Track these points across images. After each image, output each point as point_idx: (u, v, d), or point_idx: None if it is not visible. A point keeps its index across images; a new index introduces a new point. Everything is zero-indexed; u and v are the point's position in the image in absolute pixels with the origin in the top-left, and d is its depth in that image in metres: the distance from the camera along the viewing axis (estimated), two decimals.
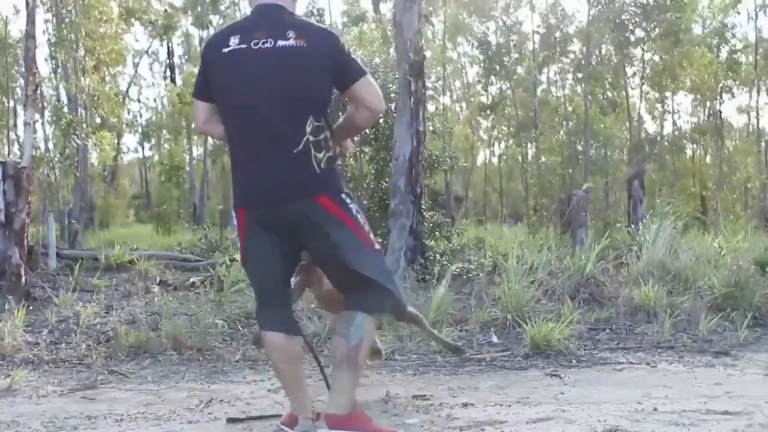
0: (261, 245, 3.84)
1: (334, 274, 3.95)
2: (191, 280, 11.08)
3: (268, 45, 3.75)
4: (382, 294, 3.83)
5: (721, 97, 27.49)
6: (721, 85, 26.02)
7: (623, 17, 27.16)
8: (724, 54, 26.38)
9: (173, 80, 34.28)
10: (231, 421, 4.35)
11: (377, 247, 3.92)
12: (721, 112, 28.37)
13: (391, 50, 19.50)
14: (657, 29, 27.19)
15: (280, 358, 3.89)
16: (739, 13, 39.58)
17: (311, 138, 3.73)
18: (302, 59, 3.72)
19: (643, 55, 29.74)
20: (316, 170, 3.74)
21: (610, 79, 29.69)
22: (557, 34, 32.48)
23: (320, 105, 3.78)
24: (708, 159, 31.30)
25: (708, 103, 29.35)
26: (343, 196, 3.83)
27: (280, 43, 3.74)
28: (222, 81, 3.84)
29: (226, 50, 3.79)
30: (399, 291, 3.97)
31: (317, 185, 3.78)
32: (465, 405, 4.73)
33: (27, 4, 10.64)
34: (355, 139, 3.97)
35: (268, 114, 3.73)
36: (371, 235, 3.89)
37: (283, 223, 3.78)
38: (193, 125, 34.27)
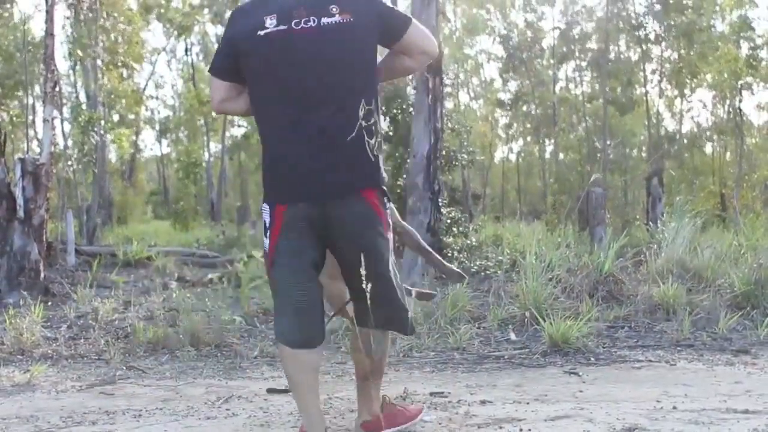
0: (294, 244, 3.45)
1: (355, 279, 3.45)
2: (209, 276, 11.12)
3: (311, 24, 3.36)
4: (401, 312, 3.63)
5: (740, 94, 27.29)
6: (741, 82, 25.83)
7: (639, 19, 27.16)
8: (744, 50, 26.20)
9: (193, 80, 34.35)
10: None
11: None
12: (740, 109, 28.15)
13: None
14: (673, 29, 27.09)
15: (295, 369, 3.53)
16: (757, 6, 39.15)
17: (363, 123, 3.39)
18: (351, 36, 3.38)
19: (662, 52, 29.62)
20: (370, 158, 3.41)
21: (627, 78, 29.56)
22: (576, 30, 32.38)
23: (372, 86, 3.47)
24: (728, 156, 31.10)
25: (728, 100, 29.17)
26: (384, 191, 3.51)
27: (324, 20, 3.36)
28: (260, 67, 3.42)
29: (262, 33, 3.38)
30: (409, 305, 3.75)
31: (368, 177, 3.44)
32: (483, 402, 4.71)
33: (47, 2, 10.69)
34: None
35: (317, 102, 3.35)
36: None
37: (322, 220, 3.41)
38: (211, 118, 34.44)
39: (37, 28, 42.49)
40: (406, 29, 3.46)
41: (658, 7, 26.86)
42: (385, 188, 3.51)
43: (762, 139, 32.45)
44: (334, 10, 3.36)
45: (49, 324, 7.48)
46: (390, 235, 3.54)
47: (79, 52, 22.48)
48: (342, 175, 3.38)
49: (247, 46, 3.41)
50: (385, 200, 3.49)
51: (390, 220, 3.55)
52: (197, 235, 21.62)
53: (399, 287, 3.60)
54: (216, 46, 35.52)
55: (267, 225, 3.45)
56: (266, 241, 3.46)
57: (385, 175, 3.54)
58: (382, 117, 3.59)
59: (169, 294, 8.84)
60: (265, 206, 3.46)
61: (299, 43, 3.35)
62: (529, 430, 4.04)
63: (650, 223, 12.44)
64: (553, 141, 32.87)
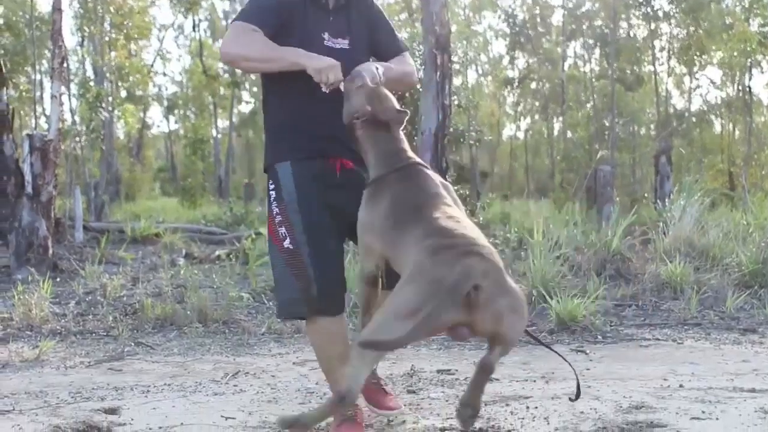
0: None
1: None
2: (217, 253, 11.13)
3: None
4: (278, 300, 3.73)
5: (750, 72, 27.14)
6: (750, 60, 25.67)
7: None
8: (754, 26, 26.01)
9: (201, 56, 34.27)
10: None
11: (284, 245, 3.55)
12: (750, 87, 28.02)
13: (417, 24, 19.40)
14: (682, 4, 26.92)
15: None
16: None
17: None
18: None
19: (671, 30, 29.45)
20: None
21: (637, 54, 29.41)
22: (584, 8, 32.20)
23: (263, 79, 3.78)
24: (737, 135, 30.97)
25: (737, 78, 29.03)
26: (270, 175, 3.67)
27: None
28: None
29: None
30: (287, 300, 3.59)
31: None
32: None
33: None
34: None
35: None
36: (280, 229, 3.57)
37: None
38: (218, 97, 34.45)
39: (44, 3, 42.48)
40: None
41: None
42: (271, 169, 3.65)
43: None
44: None
45: (57, 300, 7.51)
46: (269, 219, 3.63)
47: (86, 28, 22.46)
48: None
49: None
50: (269, 184, 3.66)
51: (270, 202, 3.63)
52: (205, 211, 21.65)
53: (277, 273, 3.61)
54: (223, 22, 35.35)
55: None
56: None
57: (272, 155, 3.67)
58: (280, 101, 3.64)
59: (177, 271, 8.86)
60: None
61: None
62: (536, 407, 4.05)
63: (658, 201, 12.39)
64: (561, 119, 32.75)
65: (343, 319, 3.65)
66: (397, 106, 3.42)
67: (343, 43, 3.64)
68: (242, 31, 3.47)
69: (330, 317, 3.56)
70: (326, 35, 3.62)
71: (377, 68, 3.48)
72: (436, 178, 3.32)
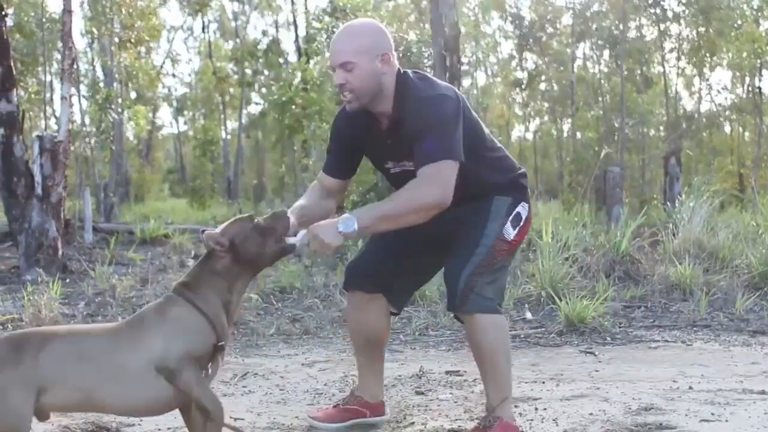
0: None
1: None
2: None
3: None
4: None
5: (760, 73, 27.04)
6: (760, 61, 25.57)
7: None
8: (764, 26, 25.92)
9: (210, 57, 34.31)
10: None
11: None
12: (760, 88, 27.91)
13: (426, 25, 19.40)
14: (694, 5, 26.87)
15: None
16: None
17: None
18: None
19: (680, 32, 29.39)
20: None
21: (646, 56, 29.35)
22: (593, 9, 32.12)
23: None
24: (746, 136, 30.89)
25: (747, 79, 28.94)
26: None
27: None
28: None
29: None
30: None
31: None
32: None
33: None
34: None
35: None
36: None
37: None
38: (228, 98, 34.51)
39: (55, 4, 42.65)
40: None
41: None
42: None
43: None
44: None
45: (67, 301, 7.52)
46: None
47: (95, 30, 22.51)
48: None
49: None
50: None
51: None
52: (214, 212, 21.69)
53: None
54: (232, 23, 35.27)
55: (522, 218, 3.64)
56: (513, 231, 3.58)
57: None
58: None
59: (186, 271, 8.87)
60: (525, 203, 3.68)
61: None
62: (545, 409, 4.05)
63: (667, 202, 12.37)
64: (570, 120, 32.72)
65: (359, 300, 3.74)
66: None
67: (408, 166, 3.47)
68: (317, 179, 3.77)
69: (349, 291, 3.79)
70: (390, 163, 3.59)
71: (338, 224, 3.18)
72: (167, 311, 3.19)
